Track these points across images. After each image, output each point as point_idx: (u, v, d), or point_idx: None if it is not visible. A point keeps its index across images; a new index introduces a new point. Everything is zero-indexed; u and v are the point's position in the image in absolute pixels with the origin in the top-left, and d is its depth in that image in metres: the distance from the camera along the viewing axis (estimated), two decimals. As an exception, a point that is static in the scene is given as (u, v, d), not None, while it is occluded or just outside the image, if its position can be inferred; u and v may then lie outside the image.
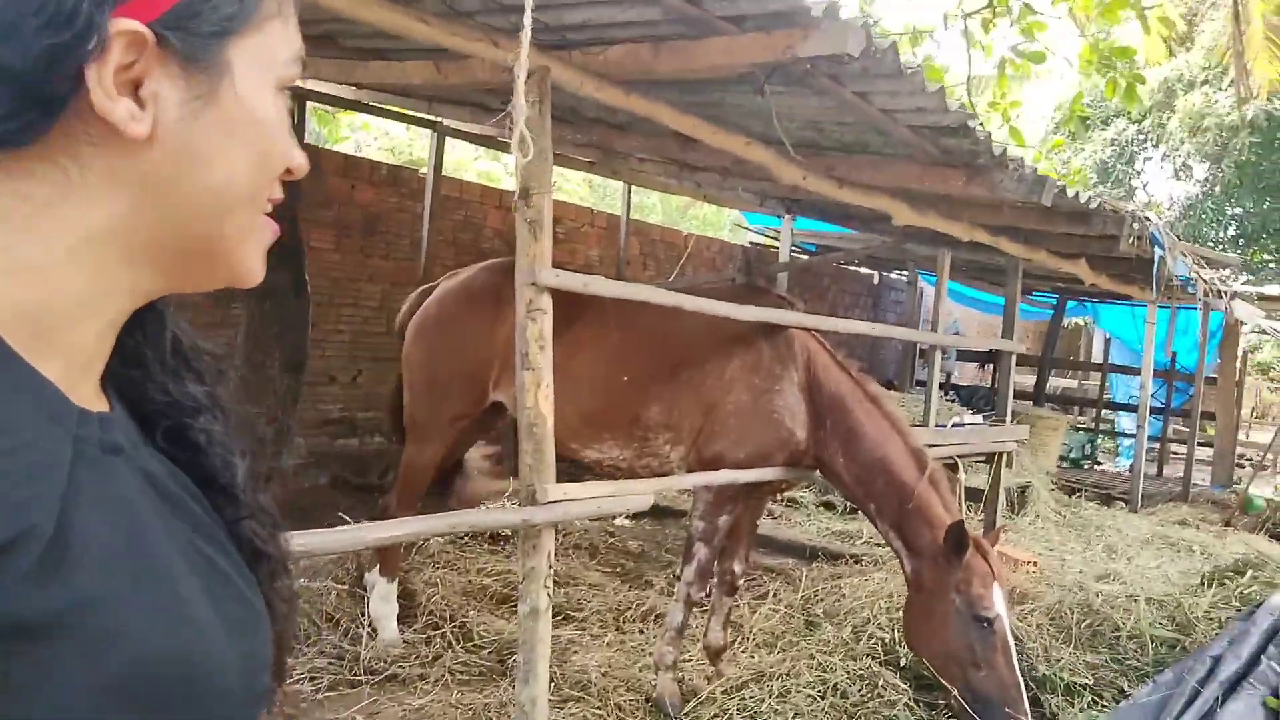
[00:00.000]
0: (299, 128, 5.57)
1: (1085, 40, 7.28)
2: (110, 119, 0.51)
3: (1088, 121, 15.66)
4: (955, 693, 3.47)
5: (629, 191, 8.14)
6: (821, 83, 3.14)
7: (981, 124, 3.78)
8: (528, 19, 1.80)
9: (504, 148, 7.19)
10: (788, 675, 3.60)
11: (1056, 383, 14.44)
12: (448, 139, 6.68)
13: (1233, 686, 3.28)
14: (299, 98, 5.35)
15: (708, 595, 3.83)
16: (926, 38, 7.62)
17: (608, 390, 3.73)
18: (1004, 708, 3.31)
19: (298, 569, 4.28)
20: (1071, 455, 11.02)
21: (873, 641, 3.88)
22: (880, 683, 3.61)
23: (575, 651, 4.02)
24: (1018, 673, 3.38)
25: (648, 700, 3.59)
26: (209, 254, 0.59)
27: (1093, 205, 4.52)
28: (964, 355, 12.30)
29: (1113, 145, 17.92)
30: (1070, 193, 4.29)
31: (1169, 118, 16.81)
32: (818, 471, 3.86)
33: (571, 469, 3.73)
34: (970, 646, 3.33)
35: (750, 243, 10.85)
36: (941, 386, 10.78)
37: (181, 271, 0.59)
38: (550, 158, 2.87)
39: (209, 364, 0.67)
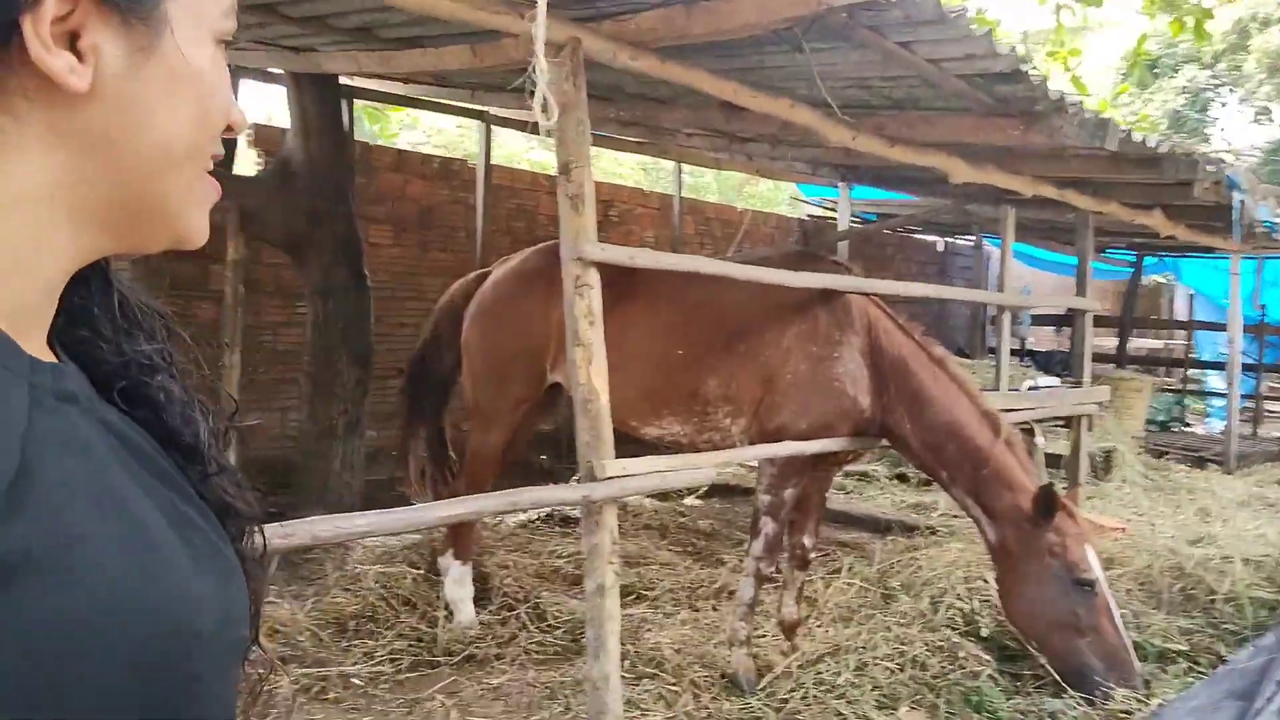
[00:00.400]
0: (350, 126, 5.66)
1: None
2: (48, 72, 0.50)
3: (1156, 69, 14.95)
4: (1045, 662, 3.36)
5: (680, 170, 8.08)
6: (862, 35, 3.05)
7: (1035, 68, 3.62)
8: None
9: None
10: (864, 648, 3.53)
11: (1139, 344, 13.86)
12: (497, 131, 6.72)
13: (1339, 643, 3.09)
14: (347, 95, 5.43)
15: (778, 570, 3.78)
16: (979, -10, 7.33)
17: (665, 365, 3.70)
18: (1112, 673, 3.19)
19: (373, 554, 4.39)
20: (1159, 418, 10.57)
21: (951, 612, 3.78)
22: (961, 654, 3.52)
23: (649, 630, 4.02)
24: (1125, 635, 3.25)
25: (722, 676, 3.57)
26: (152, 212, 0.58)
27: (1162, 149, 4.30)
28: (1039, 319, 11.87)
29: (1184, 93, 17.09)
30: (1137, 137, 4.08)
31: (1244, 59, 15.94)
32: (885, 440, 3.77)
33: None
34: (1074, 612, 3.22)
35: (808, 215, 10.67)
36: (1016, 352, 10.46)
37: (125, 230, 0.58)
38: (588, 131, 2.84)
39: (159, 323, 0.65)
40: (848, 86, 3.85)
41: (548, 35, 2.63)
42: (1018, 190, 5.16)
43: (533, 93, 2.15)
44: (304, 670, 3.45)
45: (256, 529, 0.66)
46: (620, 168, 15.19)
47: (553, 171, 2.94)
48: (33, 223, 0.52)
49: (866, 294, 3.76)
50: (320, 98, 5.05)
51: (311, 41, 4.14)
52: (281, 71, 4.96)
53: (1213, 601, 4.07)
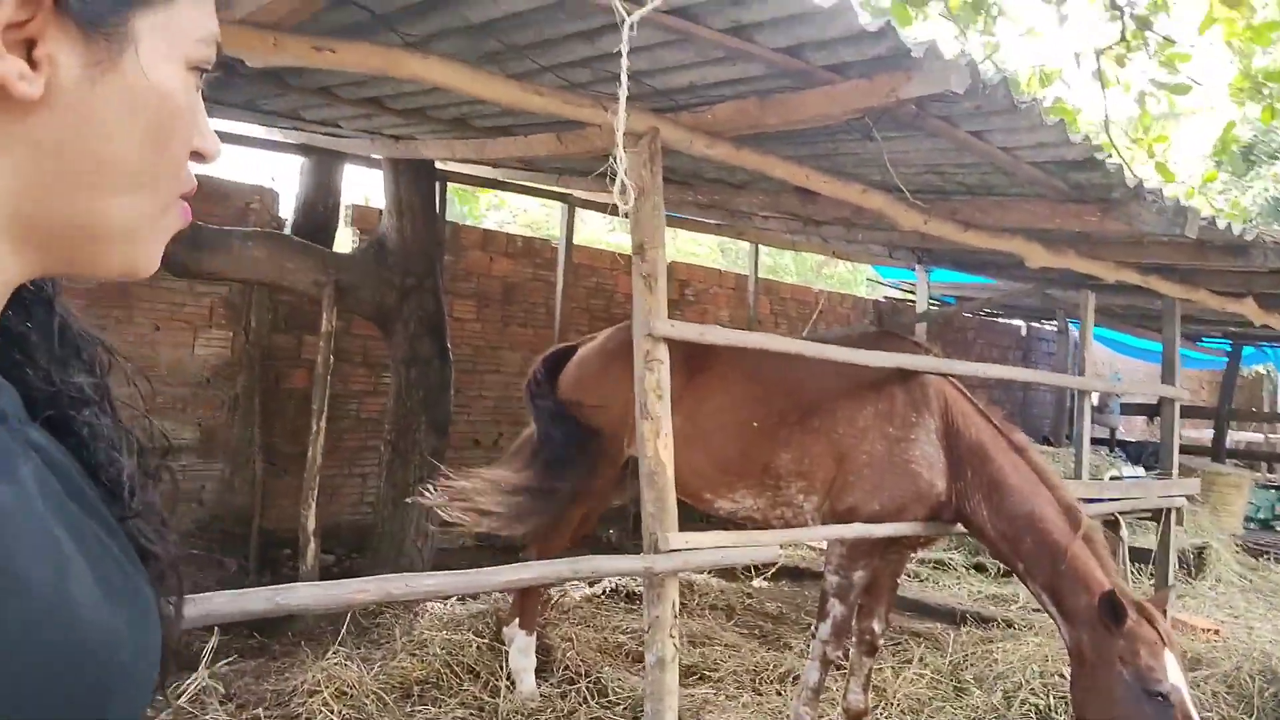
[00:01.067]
0: (441, 207, 5.97)
1: (1236, 66, 6.86)
2: None
3: (1252, 157, 14.56)
4: None
5: (756, 251, 8.21)
6: (933, 124, 3.12)
7: (1111, 155, 3.63)
8: (624, 67, 1.91)
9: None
10: (933, 742, 3.41)
11: (1239, 437, 13.21)
12: (579, 212, 6.98)
13: None
14: (440, 178, 5.75)
15: (845, 655, 3.70)
16: (1056, 78, 7.38)
17: (740, 438, 3.73)
18: None
19: (439, 621, 4.46)
20: (1259, 515, 9.99)
21: (1026, 708, 3.63)
22: (1036, 753, 3.37)
23: (710, 711, 3.96)
24: None
25: (784, 762, 3.48)
26: (100, 233, 0.55)
27: (1249, 236, 4.21)
28: (1130, 409, 11.46)
29: (1283, 180, 16.56)
30: (1221, 224, 4.02)
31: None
32: (961, 527, 3.69)
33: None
34: None
35: (884, 297, 10.64)
36: (1105, 442, 10.08)
37: (69, 249, 0.55)
38: (662, 213, 2.97)
39: (101, 355, 0.64)
40: (921, 172, 3.92)
41: (628, 125, 2.79)
42: (1099, 275, 5.09)
43: (613, 179, 2.29)
44: (368, 733, 3.51)
45: (171, 572, 0.63)
46: (698, 247, 15.45)
47: (629, 251, 3.07)
48: None
49: (944, 374, 3.74)
50: (415, 180, 5.36)
51: (412, 131, 4.43)
52: (380, 157, 5.30)
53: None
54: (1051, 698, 3.69)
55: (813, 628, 3.69)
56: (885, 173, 3.55)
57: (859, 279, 15.26)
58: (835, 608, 3.54)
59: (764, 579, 6.30)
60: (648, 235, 2.91)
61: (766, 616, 5.56)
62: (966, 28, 7.21)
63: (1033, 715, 3.60)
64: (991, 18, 7.20)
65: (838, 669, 3.77)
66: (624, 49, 2.23)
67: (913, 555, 4.75)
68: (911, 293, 9.09)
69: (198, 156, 0.61)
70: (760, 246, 8.30)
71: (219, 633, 3.82)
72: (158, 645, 0.57)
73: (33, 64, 0.50)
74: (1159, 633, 3.08)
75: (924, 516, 3.56)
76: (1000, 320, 11.88)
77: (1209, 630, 4.97)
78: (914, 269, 7.75)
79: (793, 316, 9.32)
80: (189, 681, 3.55)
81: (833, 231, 6.02)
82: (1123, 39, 6.44)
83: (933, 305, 8.88)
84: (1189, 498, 5.56)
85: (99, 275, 0.58)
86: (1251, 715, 3.77)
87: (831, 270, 16.20)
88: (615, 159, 2.05)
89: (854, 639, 3.74)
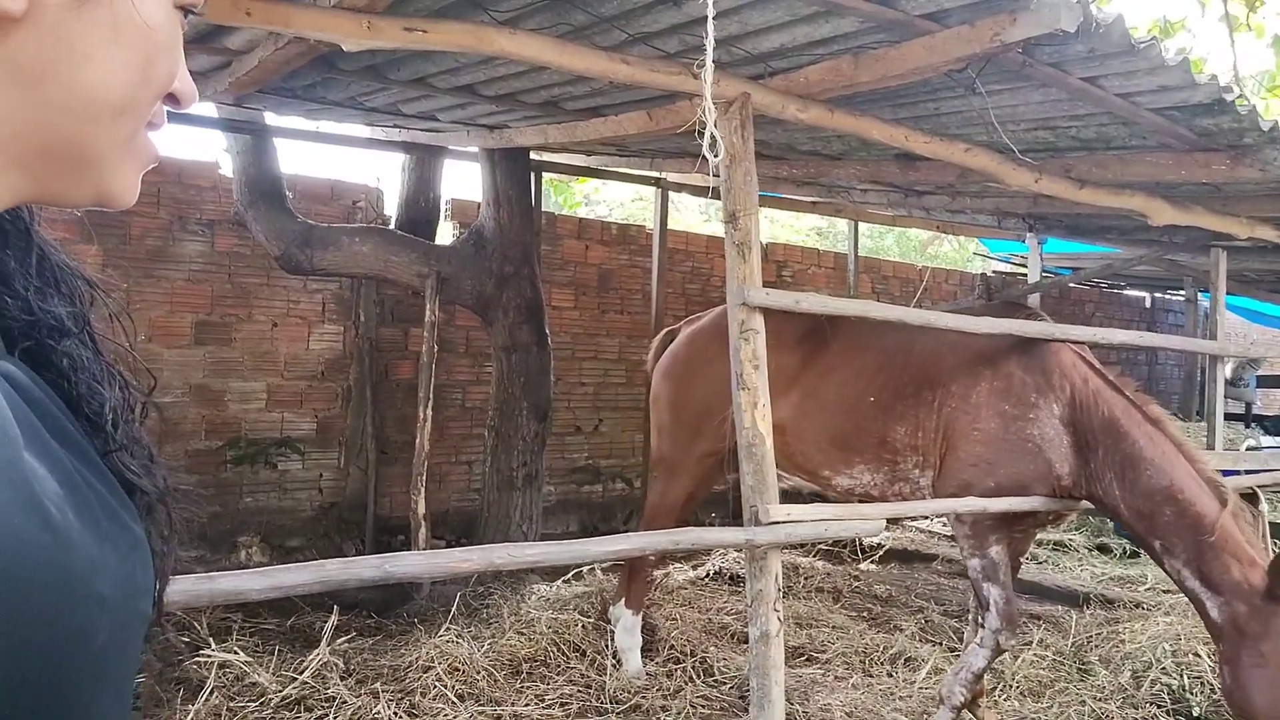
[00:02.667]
0: (536, 197, 6.05)
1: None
2: None
3: None
4: None
5: (855, 228, 8.00)
6: (1043, 72, 2.95)
7: (1242, 96, 3.36)
8: (709, 20, 1.87)
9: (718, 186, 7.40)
10: (1057, 725, 3.25)
11: (1396, 409, 12.15)
12: (674, 201, 6.95)
13: None
14: (535, 169, 5.82)
15: (1006, 642, 3.50)
16: (1179, 30, 6.91)
17: (855, 412, 3.67)
18: None
19: (546, 601, 4.52)
20: None
21: (1157, 688, 3.41)
22: (1170, 737, 3.16)
23: (819, 691, 3.89)
24: None
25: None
26: (78, 160, 0.55)
27: (1407, 178, 3.84)
28: (1267, 381, 10.67)
29: None
30: (1373, 166, 3.67)
31: None
32: (1088, 504, 3.50)
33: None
34: None
35: (994, 271, 10.21)
36: (1240, 417, 9.41)
37: (47, 176, 0.55)
38: (754, 180, 2.91)
39: (82, 287, 0.63)
40: (1031, 129, 3.72)
41: (719, 91, 2.75)
42: (1231, 233, 4.75)
43: (703, 141, 2.25)
44: (479, 708, 3.58)
45: (161, 505, 0.63)
46: (795, 233, 15.22)
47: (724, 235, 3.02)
48: None
49: (1064, 341, 3.55)
50: (510, 172, 5.45)
51: (505, 119, 4.49)
52: (477, 150, 5.40)
53: None
54: (1186, 677, 3.46)
55: (979, 618, 3.49)
56: (992, 131, 3.39)
57: (966, 255, 14.73)
58: (991, 590, 3.37)
59: (872, 562, 6.15)
60: (740, 203, 2.85)
61: (875, 599, 5.42)
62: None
63: (1165, 695, 3.38)
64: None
65: (949, 650, 3.63)
66: (710, 9, 2.19)
67: (1039, 532, 4.54)
68: (1023, 265, 8.69)
69: (172, 100, 0.60)
70: (860, 225, 8.09)
71: (338, 612, 3.98)
72: (146, 580, 0.55)
73: None
74: None
75: (1050, 495, 3.39)
76: (1122, 291, 11.25)
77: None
78: (1024, 239, 7.39)
79: (895, 295, 9.05)
80: (311, 657, 3.71)
81: (936, 201, 5.80)
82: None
83: (1046, 278, 8.46)
84: (1340, 471, 5.12)
85: (80, 202, 0.58)
86: None
87: (936, 249, 15.69)
88: (704, 112, 2.01)
89: (969, 619, 3.60)
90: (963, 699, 3.37)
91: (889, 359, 3.68)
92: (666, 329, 4.64)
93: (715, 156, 1.97)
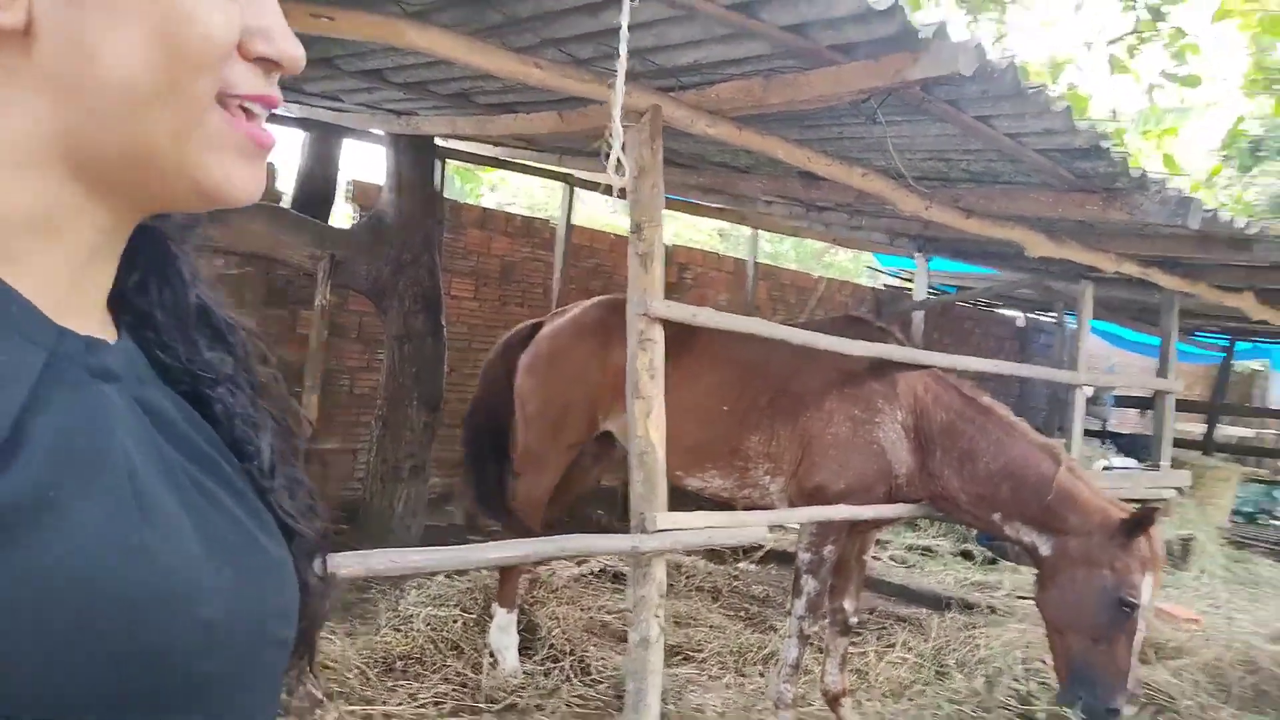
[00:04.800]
0: (441, 184, 5.92)
1: (1249, 58, 6.80)
2: None
3: (1261, 152, 14.49)
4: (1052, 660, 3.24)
5: (756, 237, 8.17)
6: (940, 108, 3.09)
7: (1117, 144, 3.60)
8: (623, 39, 1.88)
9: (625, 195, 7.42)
10: (915, 726, 3.42)
11: (1229, 431, 13.24)
12: (580, 194, 6.93)
13: None
14: (441, 156, 5.70)
15: (822, 634, 3.72)
16: (1068, 66, 7.31)
17: (710, 420, 3.79)
18: (1101, 690, 3.11)
19: (427, 597, 4.45)
20: (1246, 509, 10.03)
21: (1007, 694, 3.64)
22: (1016, 738, 3.38)
23: (693, 690, 3.98)
24: (1136, 668, 3.12)
25: (767, 742, 3.50)
26: (148, 160, 0.52)
27: (1251, 230, 4.19)
28: (1124, 401, 11.46)
29: (1289, 176, 16.49)
30: (1224, 216, 4.00)
31: (1356, 144, 15.34)
32: (934, 508, 3.73)
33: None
34: (1099, 622, 3.15)
35: (884, 285, 10.61)
36: (1097, 434, 10.09)
37: (133, 185, 0.53)
38: (661, 193, 2.94)
39: (238, 334, 0.64)
40: (925, 158, 3.89)
41: (631, 103, 2.76)
42: (1100, 266, 5.08)
43: (609, 155, 2.26)
44: (349, 707, 3.51)
45: (319, 551, 0.65)
46: (698, 234, 15.40)
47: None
48: (34, 177, 0.49)
49: (921, 366, 3.76)
50: (415, 158, 5.32)
51: (413, 106, 4.38)
52: (381, 133, 5.25)
53: (1289, 699, 3.82)
54: (1032, 684, 3.71)
55: (788, 605, 3.71)
56: (889, 158, 3.52)
57: (860, 267, 15.24)
58: (808, 583, 3.59)
59: (751, 562, 6.31)
60: (646, 215, 2.88)
61: (753, 599, 5.57)
62: (978, 14, 7.15)
63: (1013, 701, 3.62)
64: (1003, 5, 7.13)
65: (817, 649, 3.79)
66: (624, 21, 2.20)
67: (878, 532, 4.77)
68: (910, 281, 9.06)
69: (269, 64, 0.54)
70: (761, 233, 8.25)
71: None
72: (281, 601, 0.57)
73: None
74: (1154, 555, 3.18)
75: (887, 494, 3.61)
76: (998, 311, 11.86)
77: (1190, 620, 5.00)
78: (914, 257, 7.71)
79: (791, 302, 9.29)
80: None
81: (835, 218, 5.99)
82: (1135, 29, 6.39)
83: (931, 294, 8.85)
84: (1179, 490, 5.57)
85: (185, 206, 0.56)
86: (1229, 703, 3.79)
87: (833, 258, 16.17)
88: (611, 134, 2.02)
89: (828, 619, 3.77)
90: (791, 694, 3.56)
91: (745, 371, 3.83)
92: (526, 322, 4.65)
93: (620, 180, 1.99)
